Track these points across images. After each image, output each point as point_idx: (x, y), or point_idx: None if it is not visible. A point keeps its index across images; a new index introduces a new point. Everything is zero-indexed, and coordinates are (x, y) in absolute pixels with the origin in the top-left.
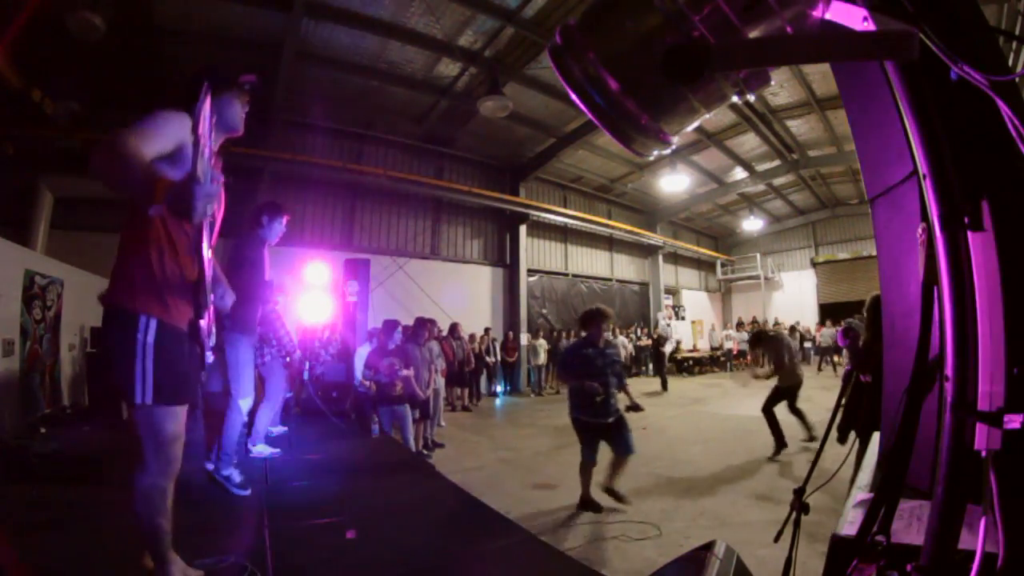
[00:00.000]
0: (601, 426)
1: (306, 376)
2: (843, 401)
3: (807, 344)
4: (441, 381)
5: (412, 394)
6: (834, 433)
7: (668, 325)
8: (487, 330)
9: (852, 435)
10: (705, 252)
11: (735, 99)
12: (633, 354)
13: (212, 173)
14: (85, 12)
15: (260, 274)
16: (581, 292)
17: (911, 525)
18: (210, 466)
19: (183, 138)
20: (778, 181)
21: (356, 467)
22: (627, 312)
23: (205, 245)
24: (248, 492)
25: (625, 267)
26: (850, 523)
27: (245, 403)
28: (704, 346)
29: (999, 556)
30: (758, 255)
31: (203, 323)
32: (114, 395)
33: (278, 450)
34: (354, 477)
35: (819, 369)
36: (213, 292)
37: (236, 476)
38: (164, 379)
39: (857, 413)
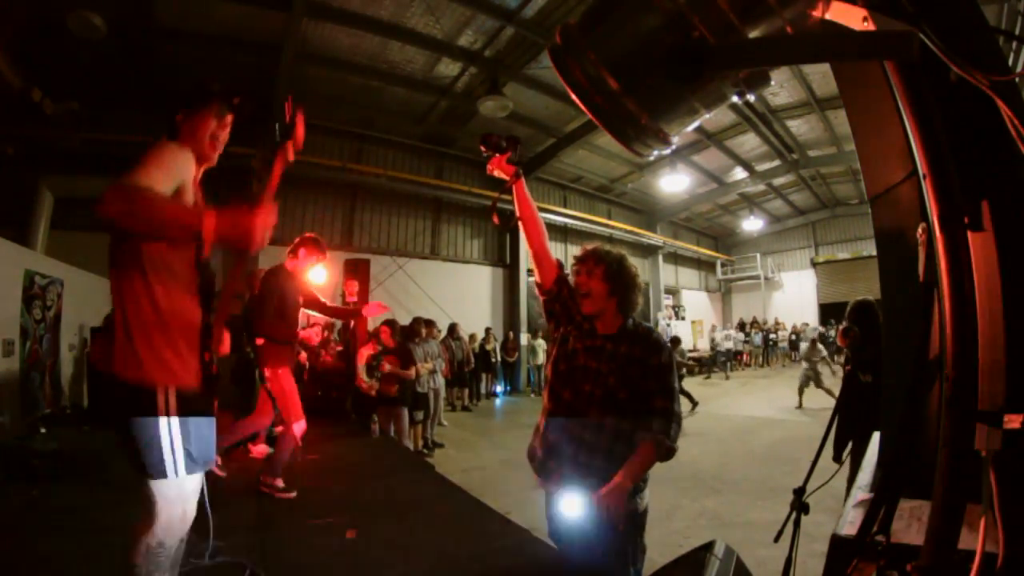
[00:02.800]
0: None
1: (306, 376)
2: (840, 404)
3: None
4: (441, 381)
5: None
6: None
7: (668, 325)
8: (487, 330)
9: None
10: (705, 252)
11: (735, 99)
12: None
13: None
14: (85, 12)
15: (290, 304)
16: None
17: (911, 525)
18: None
19: (185, 179)
20: (778, 181)
21: (356, 467)
22: None
23: (209, 284)
24: (295, 494)
25: None
26: (850, 523)
27: (299, 427)
28: (704, 346)
29: (999, 556)
30: (758, 255)
31: (213, 368)
32: (142, 470)
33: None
34: (354, 477)
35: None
36: None
37: (280, 483)
38: (192, 447)
39: (855, 423)
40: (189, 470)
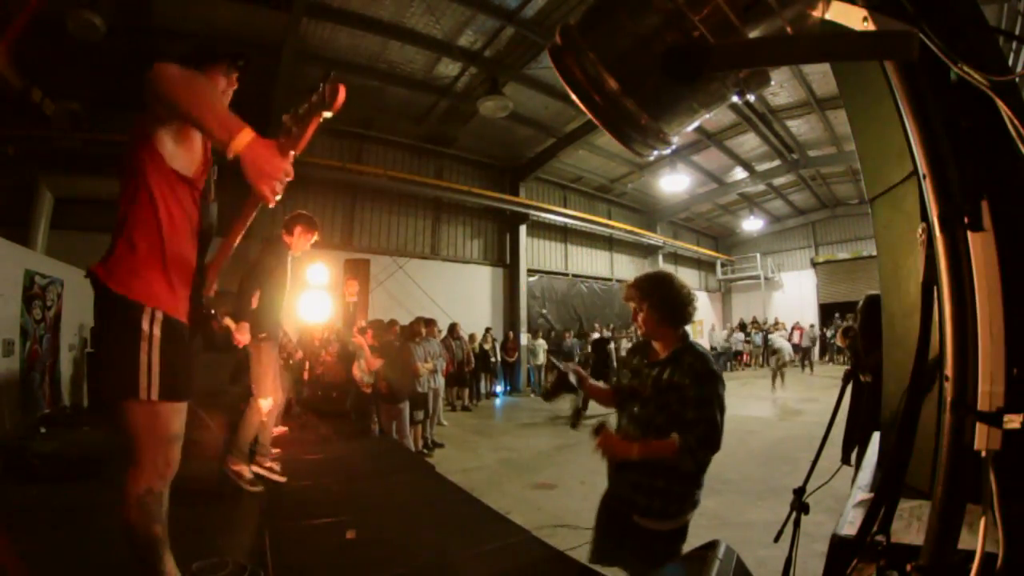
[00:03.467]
0: None
1: (306, 376)
2: (840, 404)
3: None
4: (441, 381)
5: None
6: (835, 435)
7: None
8: (488, 330)
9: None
10: (705, 252)
11: (735, 99)
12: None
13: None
14: (85, 12)
15: (282, 282)
16: (581, 292)
17: (911, 525)
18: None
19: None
20: (778, 181)
21: (356, 467)
22: (627, 312)
23: (208, 224)
24: (260, 489)
25: (625, 267)
26: (850, 523)
27: (265, 403)
28: (704, 346)
29: (999, 556)
30: (758, 255)
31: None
32: (111, 389)
33: (278, 450)
34: (354, 477)
35: (803, 370)
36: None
37: (247, 472)
38: (169, 374)
39: (866, 425)
40: (162, 395)
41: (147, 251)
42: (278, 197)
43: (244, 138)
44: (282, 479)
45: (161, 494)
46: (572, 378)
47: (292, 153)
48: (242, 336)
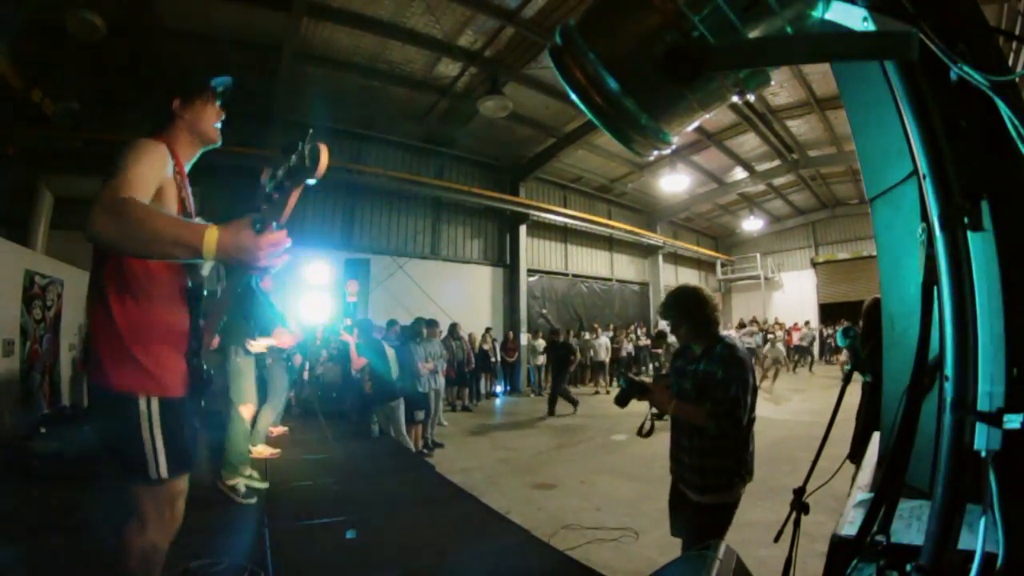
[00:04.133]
0: None
1: (306, 376)
2: (840, 404)
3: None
4: (441, 381)
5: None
6: (835, 435)
7: (668, 325)
8: (488, 330)
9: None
10: (705, 252)
11: (735, 99)
12: (632, 354)
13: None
14: (85, 12)
15: (252, 288)
16: (581, 292)
17: (911, 525)
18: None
19: (164, 176)
20: (778, 181)
21: (356, 467)
22: (627, 312)
23: (196, 284)
24: (254, 500)
25: (625, 267)
26: (850, 523)
27: (246, 409)
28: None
29: (999, 556)
30: (758, 255)
31: (200, 368)
32: (122, 474)
33: (278, 451)
34: (354, 477)
35: (793, 370)
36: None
37: (241, 486)
38: (174, 450)
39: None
40: (172, 473)
41: (117, 339)
42: (275, 265)
43: (210, 241)
44: (276, 453)
45: (164, 551)
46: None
47: (275, 224)
48: (283, 340)
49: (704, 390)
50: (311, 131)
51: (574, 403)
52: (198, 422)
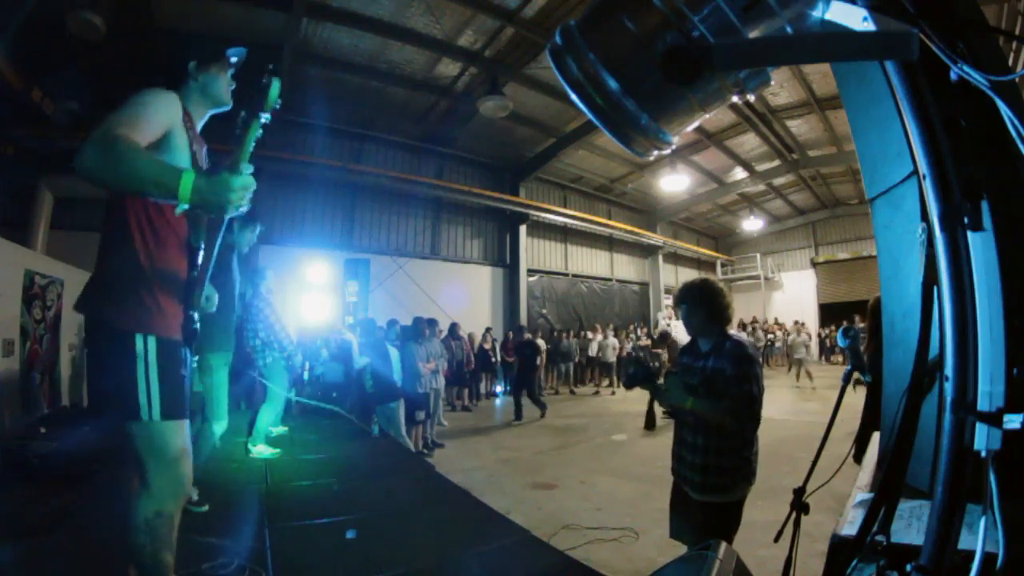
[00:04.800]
0: None
1: (306, 376)
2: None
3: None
4: (441, 381)
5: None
6: (835, 435)
7: (668, 325)
8: (488, 330)
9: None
10: (705, 252)
11: (735, 99)
12: (632, 354)
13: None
14: (85, 12)
15: (231, 286)
16: (581, 292)
17: (911, 525)
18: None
19: (172, 122)
20: (778, 181)
21: (356, 467)
22: (627, 312)
23: (196, 238)
24: (206, 508)
25: (625, 267)
26: (850, 523)
27: (219, 427)
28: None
29: (999, 556)
30: (758, 255)
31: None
32: (114, 412)
33: (278, 450)
34: (354, 477)
35: (788, 370)
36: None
37: (194, 495)
38: (169, 393)
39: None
40: (166, 414)
41: (131, 277)
42: (243, 208)
43: (186, 184)
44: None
45: (172, 516)
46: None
47: (243, 164)
48: None
49: (713, 387)
50: (271, 66)
51: (543, 407)
52: (189, 377)
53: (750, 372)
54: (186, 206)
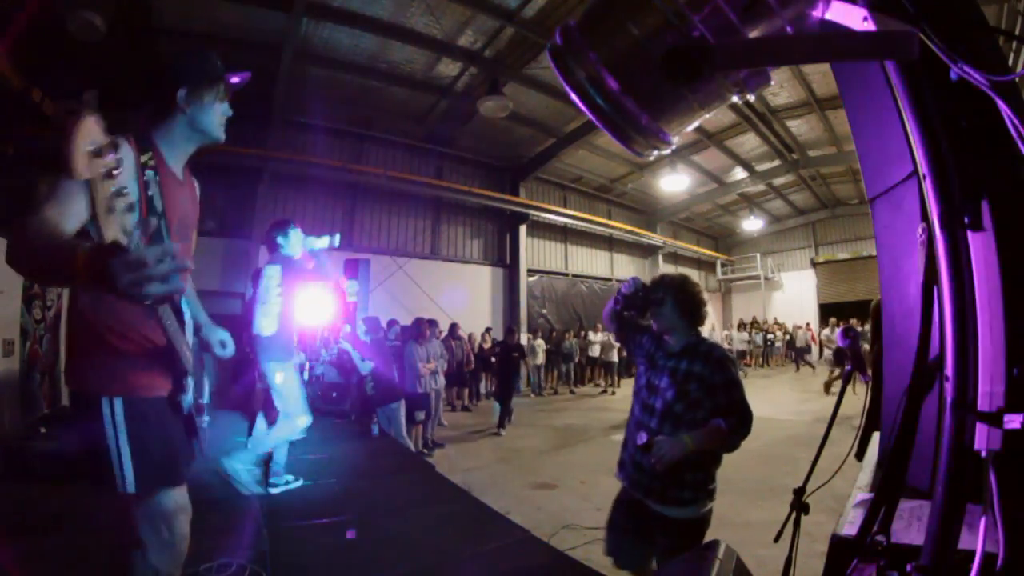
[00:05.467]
0: None
1: (305, 377)
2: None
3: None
4: (441, 381)
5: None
6: (835, 435)
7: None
8: (488, 330)
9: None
10: (705, 252)
11: (735, 99)
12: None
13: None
14: (85, 12)
15: (290, 300)
16: (581, 292)
17: (911, 525)
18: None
19: (99, 175)
20: (778, 181)
21: (356, 467)
22: None
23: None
24: (301, 481)
25: (625, 267)
26: (850, 523)
27: (302, 420)
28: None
29: (999, 556)
30: (758, 255)
31: (187, 394)
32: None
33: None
34: (354, 477)
35: (797, 369)
36: (208, 342)
37: (289, 477)
38: (144, 463)
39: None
40: (141, 485)
41: (93, 346)
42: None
43: (84, 266)
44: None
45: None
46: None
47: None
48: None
49: (687, 394)
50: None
51: (509, 414)
52: (177, 431)
53: (734, 378)
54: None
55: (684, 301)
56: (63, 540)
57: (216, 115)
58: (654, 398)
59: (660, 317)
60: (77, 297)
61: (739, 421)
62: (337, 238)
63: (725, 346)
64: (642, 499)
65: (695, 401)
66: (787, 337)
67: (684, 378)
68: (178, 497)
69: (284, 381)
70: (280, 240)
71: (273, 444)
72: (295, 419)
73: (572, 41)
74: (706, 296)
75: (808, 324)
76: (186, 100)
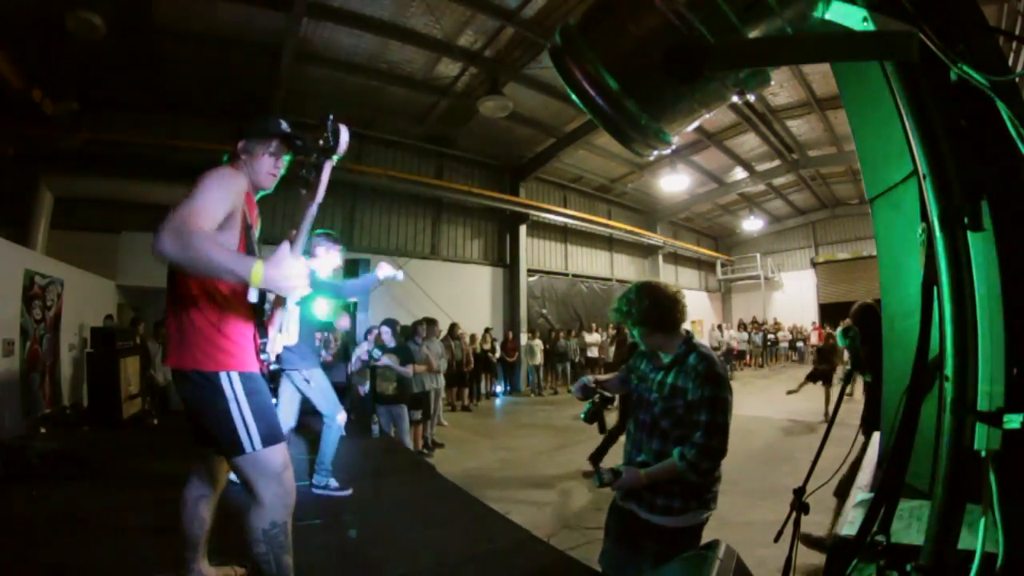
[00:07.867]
0: None
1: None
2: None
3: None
4: (441, 381)
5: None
6: (835, 435)
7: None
8: (488, 330)
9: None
10: (705, 252)
11: (735, 99)
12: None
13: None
14: (85, 12)
15: (304, 318)
16: (581, 292)
17: (911, 525)
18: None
19: (235, 205)
20: (778, 181)
21: (356, 467)
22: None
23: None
24: (350, 492)
25: (625, 267)
26: (850, 523)
27: (341, 417)
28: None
29: (999, 556)
30: (758, 255)
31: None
32: (223, 451)
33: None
34: (354, 477)
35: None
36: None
37: (333, 483)
38: (263, 422)
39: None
40: (266, 442)
41: (205, 328)
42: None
43: (257, 273)
44: (347, 492)
45: (285, 524)
46: (598, 398)
47: (299, 246)
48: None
49: (672, 409)
50: (330, 115)
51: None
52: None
53: (714, 395)
54: (255, 291)
55: (646, 319)
56: (63, 540)
57: (264, 167)
58: (644, 413)
59: (650, 343)
60: (203, 300)
61: (699, 454)
62: (343, 250)
63: (733, 345)
64: (633, 509)
65: (680, 418)
66: (790, 338)
67: (670, 393)
68: (285, 455)
69: (316, 385)
70: (321, 252)
71: (333, 447)
72: (336, 417)
73: (572, 41)
74: (678, 292)
75: (815, 323)
76: (244, 151)
